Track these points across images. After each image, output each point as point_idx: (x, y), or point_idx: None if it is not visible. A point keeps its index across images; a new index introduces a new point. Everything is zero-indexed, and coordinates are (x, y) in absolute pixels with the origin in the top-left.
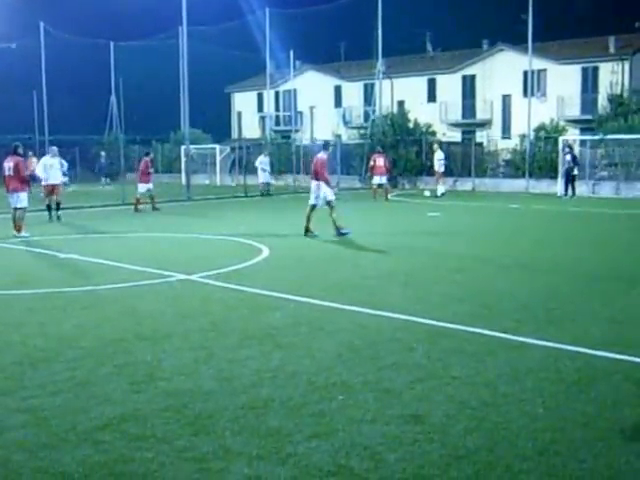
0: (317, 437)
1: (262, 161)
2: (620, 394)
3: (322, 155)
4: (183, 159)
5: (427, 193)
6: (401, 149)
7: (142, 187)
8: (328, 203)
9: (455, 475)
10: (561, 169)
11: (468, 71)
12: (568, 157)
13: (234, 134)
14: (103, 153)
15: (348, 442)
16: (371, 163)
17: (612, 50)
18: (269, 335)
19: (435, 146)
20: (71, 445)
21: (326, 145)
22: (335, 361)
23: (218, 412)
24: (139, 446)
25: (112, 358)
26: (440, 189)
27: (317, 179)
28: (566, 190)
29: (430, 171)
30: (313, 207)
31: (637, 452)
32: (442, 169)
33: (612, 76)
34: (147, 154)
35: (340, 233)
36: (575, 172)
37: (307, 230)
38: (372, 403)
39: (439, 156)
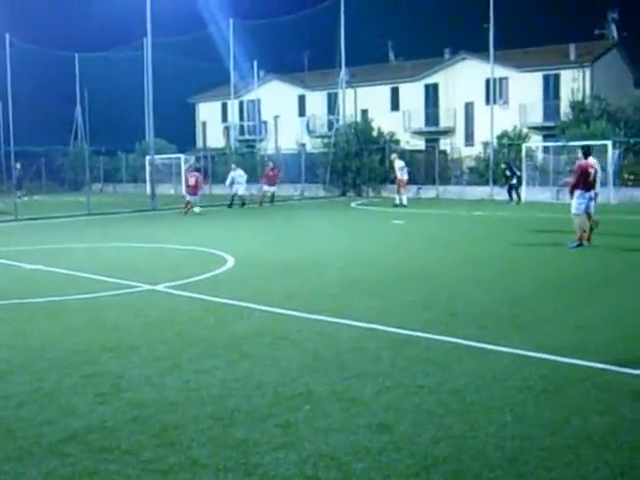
0: (284, 448)
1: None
2: (587, 401)
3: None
4: (148, 169)
5: (405, 202)
6: (365, 157)
7: (193, 198)
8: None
9: None
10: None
11: (431, 79)
12: (508, 173)
13: (199, 144)
14: (18, 165)
15: (315, 452)
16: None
17: (573, 58)
18: (235, 345)
19: (393, 156)
20: (36, 458)
21: (589, 150)
22: (301, 371)
23: (184, 423)
24: (104, 458)
25: (78, 369)
26: (404, 198)
27: (594, 188)
28: (510, 198)
29: (393, 180)
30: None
31: (606, 460)
32: (406, 176)
33: (573, 83)
34: (197, 170)
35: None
36: (513, 181)
37: (589, 237)
38: (339, 413)
39: (399, 164)
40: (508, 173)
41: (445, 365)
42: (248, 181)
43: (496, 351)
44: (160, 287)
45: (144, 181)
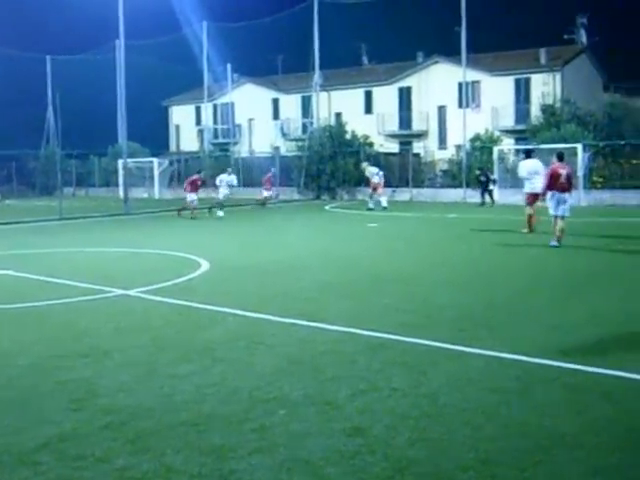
0: (259, 453)
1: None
2: (559, 401)
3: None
4: (121, 173)
5: (384, 204)
6: (339, 160)
7: (191, 196)
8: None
9: None
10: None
11: (404, 83)
12: (482, 178)
13: (172, 147)
14: None
15: (290, 457)
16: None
17: (543, 62)
18: (210, 350)
19: (364, 164)
20: (8, 467)
21: (563, 155)
22: (276, 375)
23: (159, 429)
24: (78, 466)
25: (51, 376)
26: (384, 200)
27: (569, 191)
28: (483, 201)
29: (367, 183)
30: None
31: (577, 459)
32: (383, 179)
33: (544, 87)
34: (199, 172)
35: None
36: (491, 187)
37: (559, 237)
38: (313, 417)
39: (373, 170)
40: (483, 179)
41: (420, 368)
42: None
43: (471, 353)
44: (133, 292)
45: (117, 185)
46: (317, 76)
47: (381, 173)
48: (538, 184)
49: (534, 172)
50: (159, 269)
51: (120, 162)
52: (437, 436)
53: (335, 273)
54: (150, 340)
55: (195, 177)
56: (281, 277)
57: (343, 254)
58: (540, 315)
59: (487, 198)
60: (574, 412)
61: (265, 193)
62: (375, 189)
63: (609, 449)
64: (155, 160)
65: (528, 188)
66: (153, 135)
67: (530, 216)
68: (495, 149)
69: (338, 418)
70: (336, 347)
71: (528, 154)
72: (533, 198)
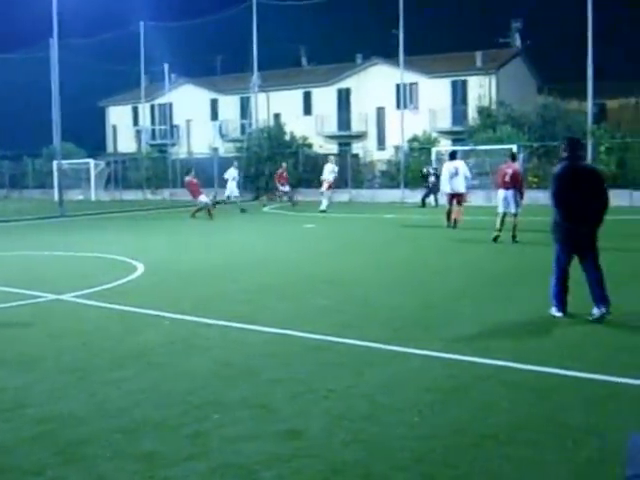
0: (192, 459)
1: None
2: (493, 399)
3: (518, 166)
4: (55, 174)
5: (324, 206)
6: (278, 161)
7: (203, 198)
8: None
9: None
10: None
11: (343, 84)
12: (432, 179)
13: (109, 148)
14: None
15: (224, 462)
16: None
17: (479, 64)
18: (143, 354)
19: (331, 157)
20: None
21: (515, 155)
22: (211, 379)
23: (90, 438)
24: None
25: None
26: (324, 202)
27: (514, 188)
28: (423, 203)
29: (319, 183)
30: (504, 214)
31: (509, 456)
32: (330, 179)
33: (480, 89)
34: (188, 173)
35: (516, 241)
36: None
37: (497, 235)
38: (248, 420)
39: (333, 168)
40: (432, 179)
41: (356, 369)
42: (156, 186)
43: (407, 353)
44: (66, 297)
45: (52, 187)
46: (256, 77)
47: (333, 174)
48: (457, 185)
49: (454, 173)
50: (93, 273)
51: (55, 163)
52: (373, 437)
53: (272, 275)
54: (82, 346)
55: (189, 179)
56: (217, 279)
57: (281, 256)
58: (475, 314)
59: (431, 200)
60: (508, 409)
61: (281, 188)
62: (327, 186)
63: (542, 446)
64: (91, 161)
65: (448, 188)
66: (89, 136)
67: (454, 212)
68: (433, 150)
69: (273, 421)
70: (272, 349)
71: (452, 155)
72: (454, 197)
